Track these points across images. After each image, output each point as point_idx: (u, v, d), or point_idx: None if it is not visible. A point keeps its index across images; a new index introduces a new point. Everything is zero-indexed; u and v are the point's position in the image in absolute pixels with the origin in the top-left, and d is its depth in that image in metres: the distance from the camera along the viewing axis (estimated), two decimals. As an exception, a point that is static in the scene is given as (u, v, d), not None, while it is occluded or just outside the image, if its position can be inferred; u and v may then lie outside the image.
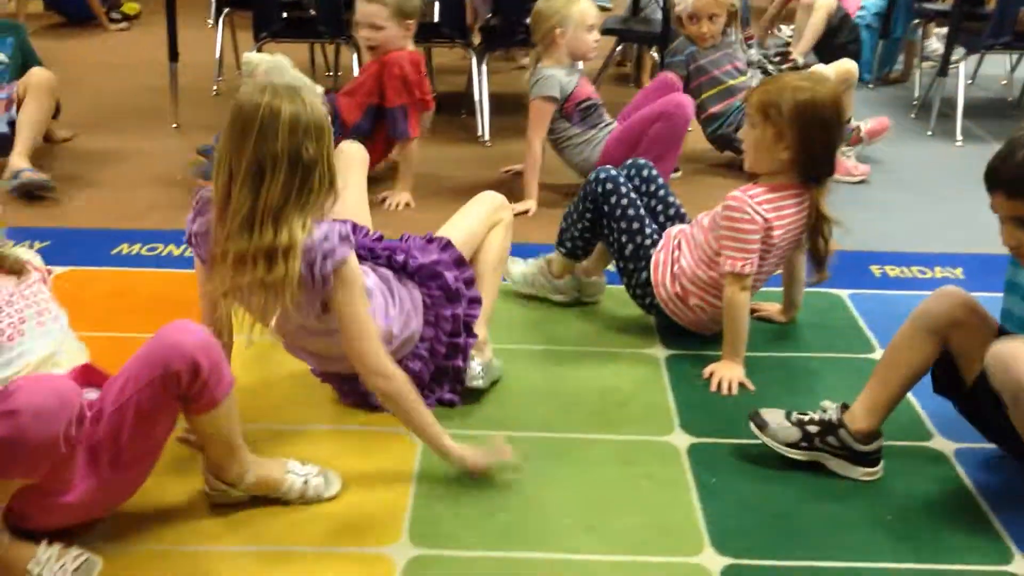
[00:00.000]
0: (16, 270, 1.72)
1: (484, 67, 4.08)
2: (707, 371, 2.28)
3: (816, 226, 2.31)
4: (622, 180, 2.45)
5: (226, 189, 1.70)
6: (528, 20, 3.37)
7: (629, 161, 2.59)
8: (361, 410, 2.09)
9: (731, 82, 3.65)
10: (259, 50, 4.06)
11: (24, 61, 3.50)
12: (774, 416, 1.96)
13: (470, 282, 2.14)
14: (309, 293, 1.77)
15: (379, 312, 1.94)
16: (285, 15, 3.98)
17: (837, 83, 2.61)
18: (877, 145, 3.85)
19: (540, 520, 1.79)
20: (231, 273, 1.72)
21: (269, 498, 1.77)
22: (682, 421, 2.11)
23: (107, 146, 3.70)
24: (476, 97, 4.07)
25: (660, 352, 2.40)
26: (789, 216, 2.27)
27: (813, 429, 1.92)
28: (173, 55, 3.94)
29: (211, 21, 5.65)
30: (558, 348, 2.41)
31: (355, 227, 2.03)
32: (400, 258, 2.06)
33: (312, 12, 4.01)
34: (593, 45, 3.32)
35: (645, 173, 2.54)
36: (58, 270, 2.65)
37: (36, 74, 3.37)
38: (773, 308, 2.57)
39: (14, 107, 3.32)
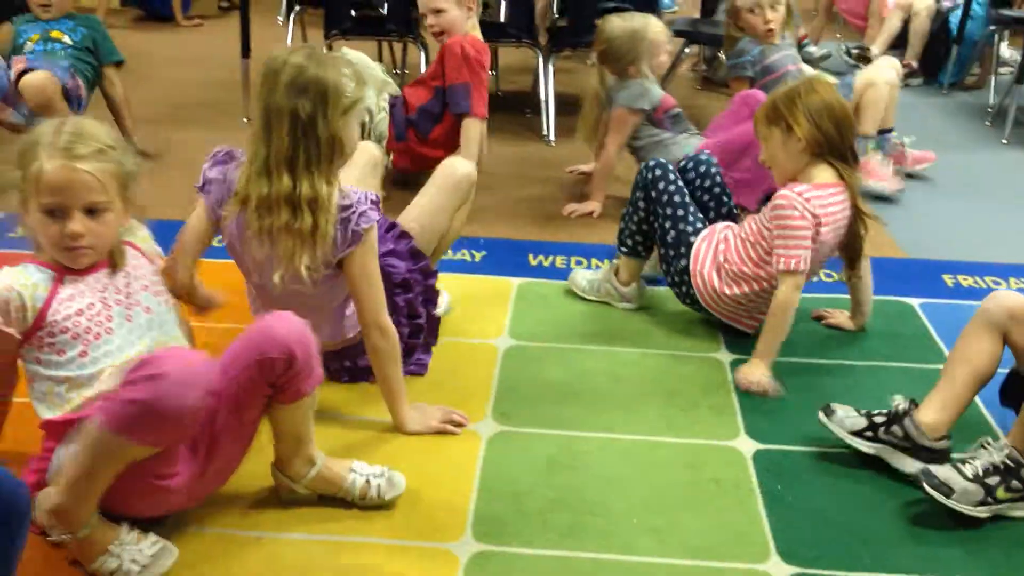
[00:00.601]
0: (118, 263, 1.71)
1: (550, 66, 4.08)
2: (737, 375, 2.25)
3: (852, 221, 2.32)
4: (671, 169, 2.50)
5: (252, 137, 1.86)
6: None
7: (691, 154, 2.61)
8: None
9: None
10: (328, 47, 4.12)
11: (97, 51, 3.50)
12: (845, 409, 1.98)
13: (426, 272, 2.26)
14: (333, 248, 1.87)
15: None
16: (355, 13, 4.01)
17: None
18: (952, 154, 3.77)
19: (603, 521, 1.78)
20: (255, 216, 1.84)
21: (336, 497, 1.78)
22: (747, 426, 2.09)
23: (177, 138, 3.77)
24: (541, 96, 4.07)
25: (725, 356, 2.38)
26: (835, 211, 2.28)
27: (880, 420, 1.94)
28: (245, 51, 4.01)
29: (282, 18, 5.75)
30: (621, 349, 2.39)
31: None
32: None
33: (381, 10, 4.05)
34: (666, 61, 3.38)
35: (703, 168, 2.55)
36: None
37: (29, 80, 3.21)
38: (842, 316, 2.53)
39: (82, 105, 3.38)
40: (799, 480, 1.92)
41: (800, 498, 1.86)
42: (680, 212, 2.45)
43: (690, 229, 2.45)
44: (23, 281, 1.60)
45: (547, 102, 4.05)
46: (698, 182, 2.55)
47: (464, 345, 2.37)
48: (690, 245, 2.43)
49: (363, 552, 1.68)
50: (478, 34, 3.23)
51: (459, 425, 2.02)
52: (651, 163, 2.51)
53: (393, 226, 2.25)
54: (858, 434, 1.94)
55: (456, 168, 2.41)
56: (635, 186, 2.52)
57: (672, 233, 2.45)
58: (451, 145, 3.18)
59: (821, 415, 1.99)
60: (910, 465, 1.90)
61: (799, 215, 2.23)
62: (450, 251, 2.88)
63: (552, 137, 4.00)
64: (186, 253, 1.95)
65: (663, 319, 2.56)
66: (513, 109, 4.42)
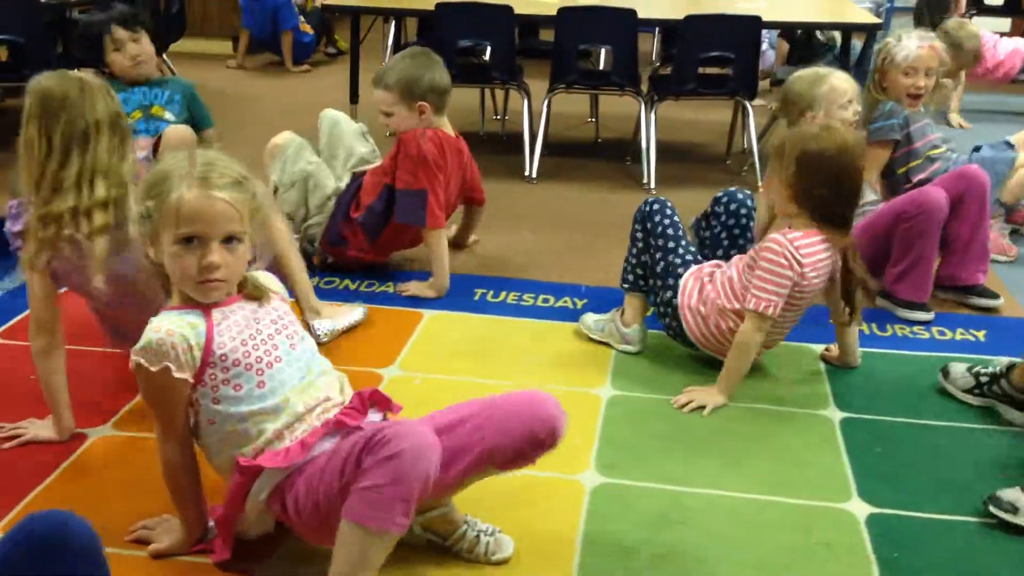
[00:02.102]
0: (256, 296, 1.70)
1: (653, 115, 4.08)
2: (685, 394, 2.33)
3: (845, 278, 2.35)
4: (669, 206, 2.56)
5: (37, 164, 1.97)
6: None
7: (731, 190, 2.63)
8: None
9: (931, 152, 3.17)
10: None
11: (192, 120, 3.34)
12: (957, 367, 2.36)
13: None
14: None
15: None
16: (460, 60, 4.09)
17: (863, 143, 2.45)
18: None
19: (712, 581, 1.73)
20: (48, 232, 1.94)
21: (442, 545, 1.77)
22: (860, 489, 2.01)
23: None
24: (643, 145, 4.07)
25: (835, 414, 2.31)
26: (821, 262, 2.32)
27: (984, 379, 2.31)
28: (354, 96, 4.11)
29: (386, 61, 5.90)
30: (728, 403, 2.34)
31: None
32: None
33: (484, 58, 4.11)
34: (852, 119, 2.85)
35: (734, 206, 2.60)
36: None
37: (171, 133, 3.11)
38: (832, 353, 2.56)
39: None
40: (917, 548, 1.84)
41: (919, 568, 1.78)
42: (671, 244, 2.51)
43: (678, 261, 2.49)
44: (179, 323, 1.59)
45: (648, 150, 4.04)
46: (724, 218, 2.60)
47: (567, 393, 2.36)
48: (678, 277, 2.47)
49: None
50: (447, 128, 2.95)
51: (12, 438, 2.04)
52: (650, 199, 2.58)
53: None
54: (968, 391, 2.33)
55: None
56: (634, 220, 2.59)
57: (661, 264, 2.50)
58: (402, 244, 3.05)
59: (940, 376, 2.39)
60: (1015, 415, 2.26)
61: (786, 264, 2.26)
62: (552, 298, 2.88)
63: (652, 185, 3.98)
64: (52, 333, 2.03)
65: (770, 374, 2.51)
66: (613, 157, 4.43)
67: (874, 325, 2.78)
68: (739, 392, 2.38)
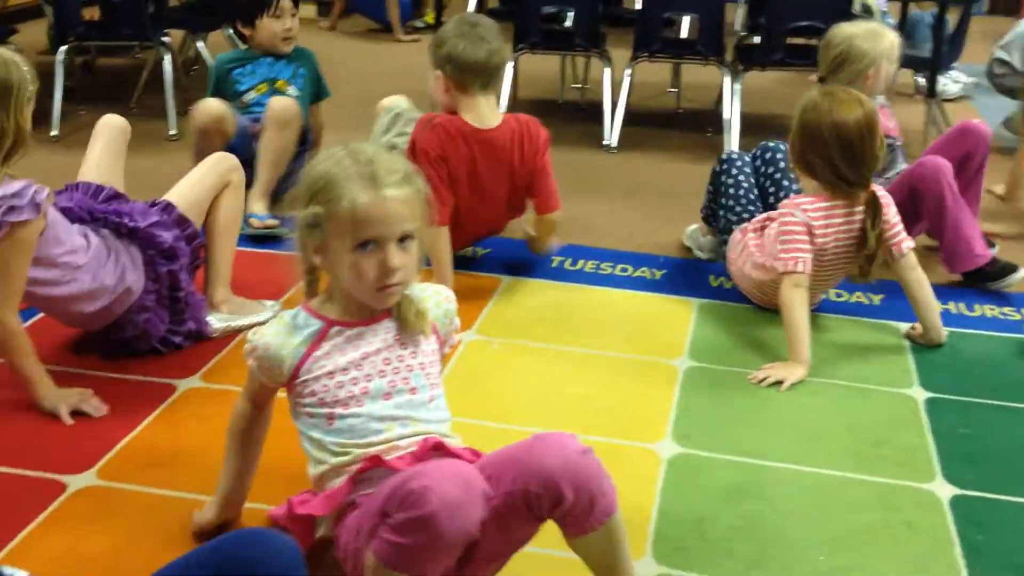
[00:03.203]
0: (406, 324, 1.54)
1: (738, 86, 4.01)
2: (762, 370, 2.30)
3: (860, 238, 2.39)
4: (738, 162, 2.74)
5: None
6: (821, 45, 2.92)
7: (763, 143, 2.79)
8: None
9: None
10: (515, 61, 4.19)
11: (316, 91, 3.38)
12: None
13: (192, 237, 2.32)
14: None
15: (91, 268, 2.12)
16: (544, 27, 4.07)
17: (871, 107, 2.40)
18: None
19: (789, 555, 1.72)
20: None
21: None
22: (945, 470, 1.97)
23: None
24: (726, 116, 4.00)
25: (919, 393, 2.26)
26: (836, 224, 2.38)
27: None
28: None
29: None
30: (807, 378, 2.31)
31: (93, 189, 2.32)
32: (116, 220, 2.22)
33: (568, 24, 4.08)
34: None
35: (768, 155, 2.76)
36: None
37: (274, 104, 3.07)
38: (917, 331, 2.51)
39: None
40: (1004, 532, 1.80)
41: (1004, 552, 1.75)
42: (731, 202, 2.71)
43: (734, 218, 2.69)
44: (281, 341, 1.52)
45: (731, 121, 3.97)
46: (763, 168, 2.75)
47: (644, 363, 2.35)
48: (730, 233, 2.67)
49: None
50: (478, 114, 2.57)
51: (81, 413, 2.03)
52: (722, 155, 2.78)
53: (155, 203, 2.32)
54: None
55: (212, 155, 2.51)
56: (712, 171, 2.81)
57: (723, 221, 2.73)
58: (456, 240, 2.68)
59: None
60: None
61: (796, 220, 2.36)
62: (630, 268, 2.87)
63: (734, 157, 3.92)
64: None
65: (851, 350, 2.47)
66: (694, 128, 4.37)
67: (962, 305, 2.71)
68: (820, 368, 2.35)
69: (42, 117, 3.90)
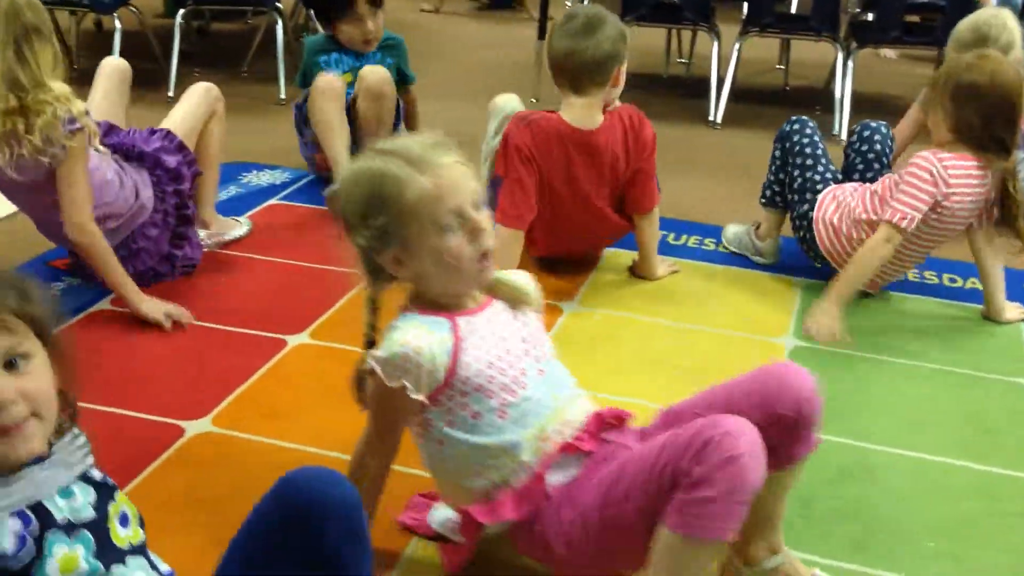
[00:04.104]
0: (513, 300, 1.49)
1: (850, 63, 3.90)
2: (807, 321, 2.30)
3: (1005, 205, 2.33)
4: (810, 126, 2.63)
5: None
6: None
7: (864, 121, 2.69)
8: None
9: None
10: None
11: (400, 80, 3.24)
12: None
13: (192, 163, 2.49)
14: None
15: (113, 188, 2.30)
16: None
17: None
18: None
19: (895, 540, 1.69)
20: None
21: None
22: (1061, 463, 1.91)
23: (467, 115, 3.94)
24: (837, 94, 3.91)
25: (1035, 384, 2.20)
26: (971, 187, 2.31)
27: None
28: (542, 34, 4.12)
29: (568, 3, 5.86)
30: (914, 363, 2.26)
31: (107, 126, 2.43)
32: (125, 146, 2.38)
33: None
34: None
35: (867, 134, 2.65)
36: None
37: (368, 76, 2.97)
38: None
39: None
40: (1122, 530, 1.74)
41: (1123, 549, 1.69)
42: (810, 162, 2.58)
43: (817, 178, 2.56)
44: (429, 338, 1.37)
45: (842, 100, 3.88)
46: (858, 145, 2.64)
47: (749, 341, 2.33)
48: (816, 192, 2.53)
49: None
50: (580, 113, 2.39)
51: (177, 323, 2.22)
52: (792, 118, 2.65)
53: (155, 131, 2.48)
54: None
55: (198, 85, 2.64)
56: (775, 140, 2.67)
57: (799, 180, 2.57)
58: (563, 246, 2.57)
59: None
60: None
61: (931, 180, 2.28)
62: (733, 247, 2.83)
63: (844, 136, 3.83)
64: None
65: (964, 337, 2.40)
66: (802, 105, 4.27)
67: (1082, 295, 2.60)
68: (930, 353, 2.29)
69: (159, 79, 4.05)
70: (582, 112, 2.38)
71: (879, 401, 2.11)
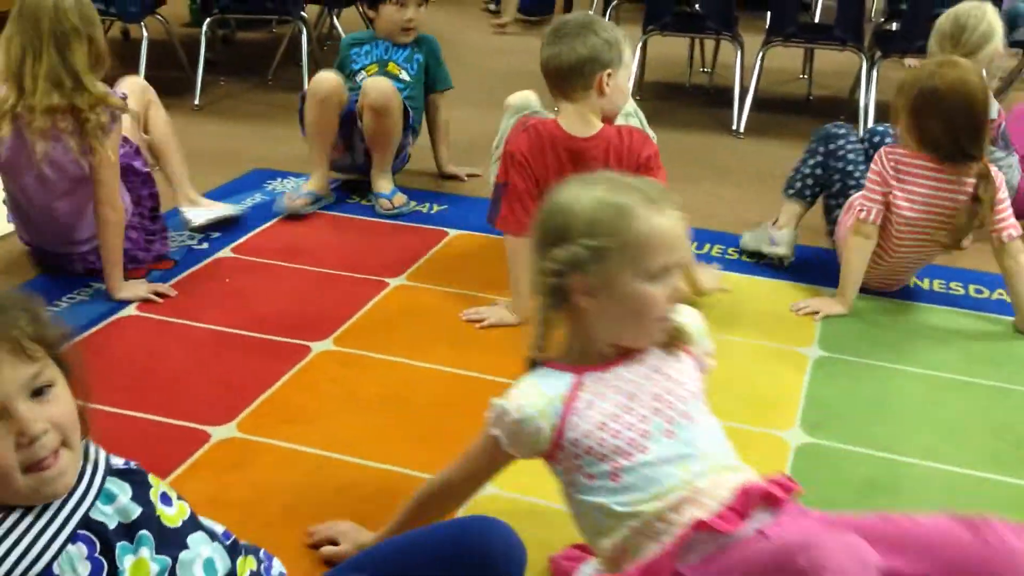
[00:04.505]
0: (670, 340, 1.38)
1: (874, 73, 3.89)
2: (803, 301, 2.49)
3: (970, 207, 2.36)
4: (854, 135, 2.72)
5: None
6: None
7: (871, 126, 2.82)
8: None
9: None
10: (643, 44, 4.15)
11: (429, 81, 3.23)
12: None
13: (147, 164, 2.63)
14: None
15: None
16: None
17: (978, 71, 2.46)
18: None
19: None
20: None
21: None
22: (1091, 477, 1.89)
23: (485, 123, 3.95)
24: (861, 103, 3.89)
25: (1066, 397, 2.17)
26: (925, 187, 2.38)
27: None
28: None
29: (591, 12, 5.87)
30: (942, 374, 2.24)
31: None
32: None
33: (699, 7, 4.03)
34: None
35: (877, 139, 2.71)
36: (453, 233, 2.88)
37: (369, 90, 2.93)
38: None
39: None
40: None
41: None
42: (849, 168, 2.66)
43: (852, 183, 2.63)
44: (535, 401, 1.33)
45: (867, 109, 3.86)
46: (871, 152, 2.64)
47: (774, 351, 2.32)
48: (847, 197, 2.61)
49: None
50: (572, 120, 2.28)
51: (163, 295, 2.38)
52: (837, 123, 2.74)
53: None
54: None
55: (127, 81, 2.72)
56: (817, 136, 2.73)
57: (838, 185, 2.67)
58: None
59: None
60: None
61: (877, 169, 2.40)
62: (750, 246, 2.81)
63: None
64: None
65: (992, 349, 2.37)
66: (826, 115, 4.24)
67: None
68: (958, 365, 2.27)
69: (185, 88, 4.08)
70: (575, 118, 2.30)
71: (906, 412, 2.09)
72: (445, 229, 2.90)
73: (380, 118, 2.94)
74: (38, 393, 1.06)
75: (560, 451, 1.34)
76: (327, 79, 2.99)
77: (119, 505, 1.11)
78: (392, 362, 2.18)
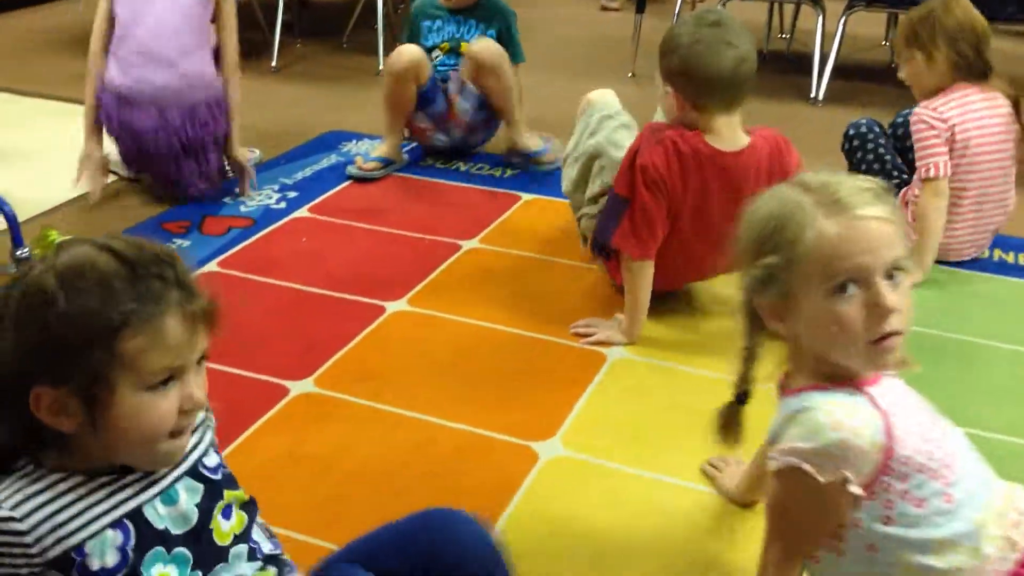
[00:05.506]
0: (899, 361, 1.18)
1: None
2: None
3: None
4: (877, 128, 2.65)
5: None
6: None
7: (892, 123, 2.70)
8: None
9: None
10: (722, 7, 4.07)
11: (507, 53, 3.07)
12: None
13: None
14: None
15: None
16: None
17: None
18: None
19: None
20: None
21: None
22: None
23: (560, 90, 3.93)
24: None
25: None
26: (979, 110, 2.38)
27: None
28: (640, 7, 4.08)
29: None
30: (1015, 347, 2.19)
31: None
32: None
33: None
34: None
35: (901, 132, 2.64)
36: (525, 197, 2.89)
37: (477, 52, 2.96)
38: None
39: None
40: None
41: None
42: (876, 165, 2.61)
43: (896, 181, 2.55)
44: (860, 417, 1.12)
45: None
46: (898, 144, 2.63)
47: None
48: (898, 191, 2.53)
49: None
50: (722, 134, 2.05)
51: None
52: (860, 121, 2.68)
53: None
54: None
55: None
56: (846, 134, 2.70)
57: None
58: (681, 275, 2.24)
59: None
60: None
61: (927, 126, 2.36)
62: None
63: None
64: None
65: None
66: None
67: None
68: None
69: (263, 49, 4.13)
70: (726, 132, 2.05)
71: (987, 386, 2.05)
72: (517, 193, 2.90)
73: (493, 76, 2.97)
74: (199, 362, 1.06)
75: (884, 476, 1.12)
76: (406, 53, 2.96)
77: (177, 510, 1.06)
78: (465, 323, 2.21)
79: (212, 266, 2.42)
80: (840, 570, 1.18)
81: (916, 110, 2.42)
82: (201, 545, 1.08)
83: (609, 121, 2.35)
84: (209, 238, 2.55)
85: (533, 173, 3.05)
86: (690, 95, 2.03)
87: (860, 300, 1.12)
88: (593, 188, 2.32)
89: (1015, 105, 2.43)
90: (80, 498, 1.02)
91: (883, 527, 1.14)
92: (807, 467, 1.11)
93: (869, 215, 1.12)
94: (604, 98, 2.43)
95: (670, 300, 2.27)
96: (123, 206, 2.76)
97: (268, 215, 2.71)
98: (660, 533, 1.62)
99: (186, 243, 2.53)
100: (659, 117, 2.30)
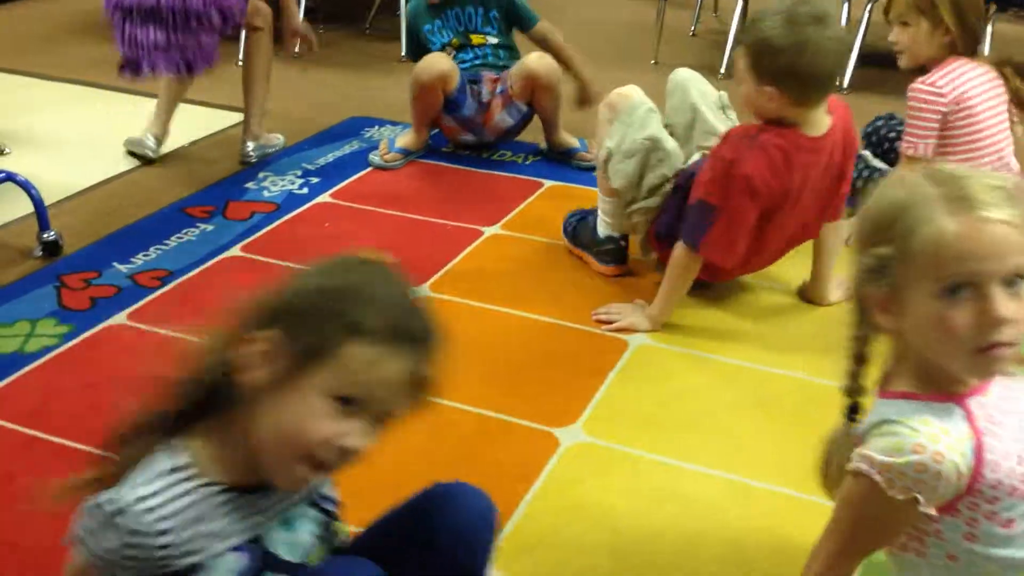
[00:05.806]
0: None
1: (989, 28, 3.71)
2: None
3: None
4: (896, 117, 2.62)
5: None
6: None
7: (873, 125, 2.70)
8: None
9: None
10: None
11: (520, 23, 3.06)
12: None
13: None
14: None
15: None
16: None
17: None
18: None
19: None
20: None
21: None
22: None
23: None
24: (974, 59, 3.73)
25: None
26: (978, 80, 2.33)
27: None
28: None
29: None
30: None
31: None
32: None
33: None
34: None
35: (883, 132, 2.66)
36: (548, 183, 2.88)
37: (535, 68, 2.90)
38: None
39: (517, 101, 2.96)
40: None
41: None
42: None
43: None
44: (948, 440, 1.07)
45: (979, 66, 3.70)
46: (884, 146, 2.63)
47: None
48: None
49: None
50: (817, 124, 2.04)
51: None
52: (876, 120, 2.69)
53: None
54: None
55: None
56: (868, 140, 2.67)
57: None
58: (745, 263, 2.18)
59: None
60: None
61: (925, 101, 2.32)
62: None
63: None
64: None
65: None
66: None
67: None
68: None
69: (285, 35, 4.13)
70: (821, 116, 2.03)
71: None
72: (540, 179, 2.90)
73: (552, 93, 2.94)
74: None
75: (970, 497, 1.09)
76: (436, 67, 2.88)
77: (293, 540, 1.08)
78: (487, 310, 2.21)
79: (235, 251, 2.43)
80: (920, 573, 1.16)
81: (915, 85, 2.37)
82: (304, 570, 1.09)
83: (653, 116, 2.29)
84: (233, 223, 2.57)
85: (555, 159, 3.04)
86: (797, 94, 1.97)
87: (971, 306, 1.06)
88: (651, 179, 2.24)
89: (1002, 74, 2.40)
90: (219, 518, 1.03)
91: (966, 543, 1.11)
92: (878, 479, 1.08)
93: (995, 217, 1.05)
94: (640, 97, 2.32)
95: (692, 287, 2.26)
96: (147, 189, 2.78)
97: (291, 200, 2.72)
98: (680, 519, 1.62)
99: (209, 227, 2.54)
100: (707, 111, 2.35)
